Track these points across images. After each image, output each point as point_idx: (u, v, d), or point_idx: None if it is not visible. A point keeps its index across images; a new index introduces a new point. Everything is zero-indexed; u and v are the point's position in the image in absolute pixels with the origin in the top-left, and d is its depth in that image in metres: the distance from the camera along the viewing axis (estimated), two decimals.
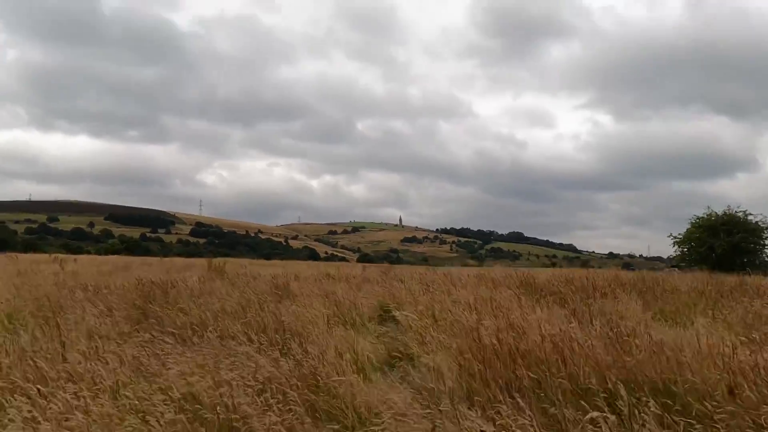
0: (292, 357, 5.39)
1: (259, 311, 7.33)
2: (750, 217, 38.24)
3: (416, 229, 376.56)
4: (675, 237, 40.85)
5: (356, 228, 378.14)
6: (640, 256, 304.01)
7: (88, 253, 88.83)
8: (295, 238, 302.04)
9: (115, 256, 70.33)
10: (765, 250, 38.22)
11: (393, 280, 14.06)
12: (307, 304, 8.86)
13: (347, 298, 9.72)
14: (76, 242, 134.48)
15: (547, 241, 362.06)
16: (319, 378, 4.90)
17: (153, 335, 6.59)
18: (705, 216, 39.81)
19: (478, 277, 13.35)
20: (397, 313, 7.97)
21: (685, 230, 40.64)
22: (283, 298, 10.00)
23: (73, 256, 52.96)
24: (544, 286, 11.91)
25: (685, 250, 40.80)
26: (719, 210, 39.48)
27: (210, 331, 6.25)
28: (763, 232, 37.92)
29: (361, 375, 5.90)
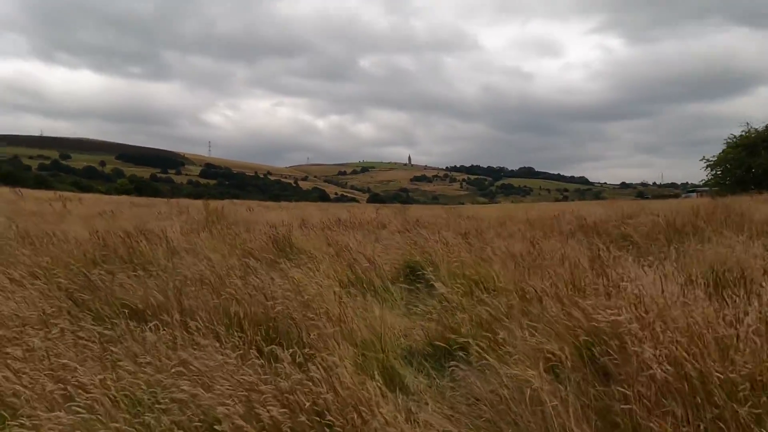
0: (282, 374, 3.23)
1: (241, 286, 5.08)
2: None
3: (425, 167, 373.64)
4: (708, 160, 37.80)
5: (365, 168, 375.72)
6: (654, 183, 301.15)
7: (99, 191, 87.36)
8: (304, 179, 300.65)
9: (124, 196, 68.84)
10: None
11: (415, 227, 11.82)
12: (312, 266, 6.66)
13: (363, 252, 7.53)
14: (88, 180, 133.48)
15: (558, 174, 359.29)
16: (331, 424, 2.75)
17: (82, 320, 4.46)
18: (744, 134, 36.49)
19: (525, 223, 11.03)
20: (438, 285, 5.69)
21: (719, 152, 37.43)
22: (283, 255, 7.83)
23: (79, 195, 51.36)
24: (603, 228, 9.65)
25: (719, 173, 37.62)
26: (759, 126, 36.14)
27: (151, 327, 4.02)
28: None
29: (396, 382, 3.80)
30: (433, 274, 6.43)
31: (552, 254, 6.08)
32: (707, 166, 38.17)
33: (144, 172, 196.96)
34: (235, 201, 62.73)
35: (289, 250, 8.34)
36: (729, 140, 37.55)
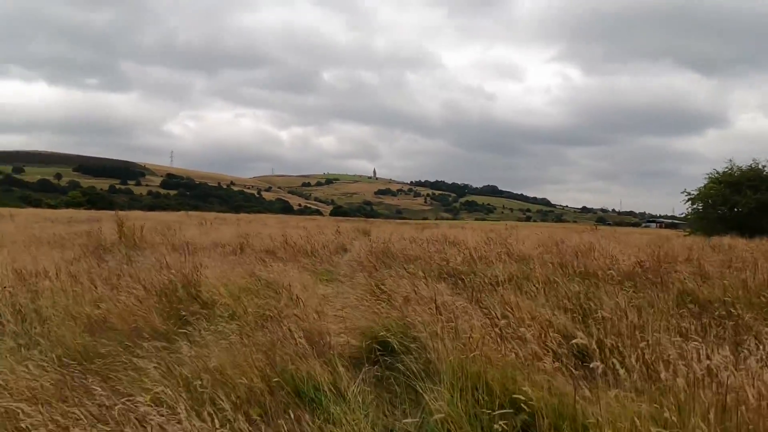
0: None
1: None
2: None
3: (390, 181, 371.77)
4: (689, 193, 36.09)
5: (330, 180, 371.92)
6: (613, 210, 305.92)
7: (49, 206, 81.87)
8: (268, 190, 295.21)
9: (70, 210, 64.15)
10: None
11: (385, 258, 8.80)
12: (214, 346, 3.58)
13: (301, 317, 4.53)
14: (41, 194, 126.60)
15: (521, 194, 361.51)
16: None
17: None
18: (727, 170, 35.03)
19: (543, 261, 7.80)
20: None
21: (701, 185, 35.86)
22: (175, 318, 4.73)
23: (15, 211, 47.04)
24: (668, 278, 6.69)
25: (700, 208, 36.03)
26: (743, 164, 34.98)
27: None
28: None
29: None
30: (431, 383, 3.41)
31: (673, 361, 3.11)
32: (688, 200, 36.38)
33: (103, 184, 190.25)
34: (190, 213, 58.24)
35: (189, 303, 5.24)
36: (711, 175, 35.83)
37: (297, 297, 4.86)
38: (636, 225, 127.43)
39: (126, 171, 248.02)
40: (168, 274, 5.72)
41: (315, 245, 11.81)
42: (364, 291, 5.80)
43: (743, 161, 35.12)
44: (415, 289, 4.84)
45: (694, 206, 36.18)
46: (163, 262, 6.55)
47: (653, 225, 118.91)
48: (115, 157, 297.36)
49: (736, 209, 33.04)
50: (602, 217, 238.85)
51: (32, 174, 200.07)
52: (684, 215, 39.66)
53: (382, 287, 5.81)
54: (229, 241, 14.03)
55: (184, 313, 4.99)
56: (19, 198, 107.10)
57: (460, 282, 6.97)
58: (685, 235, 31.93)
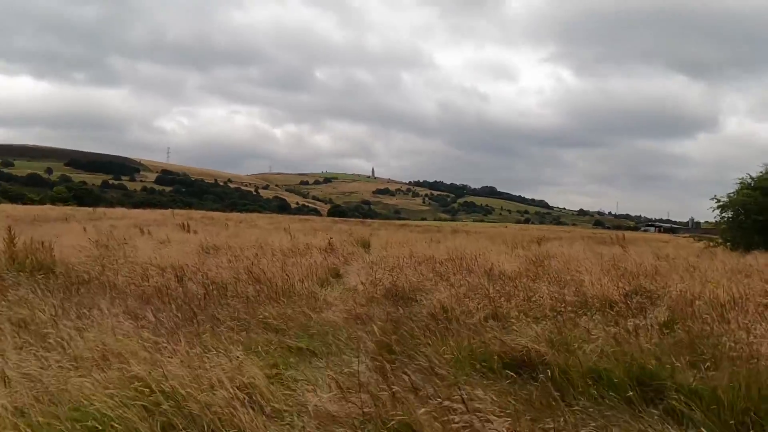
0: None
1: None
2: None
3: (389, 181, 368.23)
4: (718, 199, 32.26)
5: (328, 179, 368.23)
6: (609, 213, 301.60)
7: (32, 201, 78.07)
8: (265, 187, 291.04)
9: (48, 205, 60.69)
10: None
11: (392, 303, 5.29)
12: None
13: None
14: (29, 188, 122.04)
15: (520, 196, 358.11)
16: None
17: None
18: (762, 175, 31.27)
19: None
20: None
21: (732, 191, 32.12)
22: None
23: None
24: None
25: (730, 216, 32.34)
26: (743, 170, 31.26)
27: None
28: None
29: None
30: None
31: None
32: (718, 207, 32.15)
33: (96, 179, 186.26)
34: (176, 211, 53.88)
35: None
36: (743, 180, 31.63)
37: None
38: (635, 229, 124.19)
39: (121, 166, 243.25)
40: None
41: (292, 276, 8.26)
42: None
43: (734, 166, 31.48)
44: None
45: (723, 215, 32.46)
46: None
47: (652, 229, 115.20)
48: (109, 153, 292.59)
49: None
50: (599, 221, 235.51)
51: (22, 168, 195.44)
52: (714, 223, 35.81)
53: None
54: (183, 260, 10.36)
55: None
56: (1, 193, 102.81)
57: (545, 385, 3.47)
58: (714, 246, 28.50)
